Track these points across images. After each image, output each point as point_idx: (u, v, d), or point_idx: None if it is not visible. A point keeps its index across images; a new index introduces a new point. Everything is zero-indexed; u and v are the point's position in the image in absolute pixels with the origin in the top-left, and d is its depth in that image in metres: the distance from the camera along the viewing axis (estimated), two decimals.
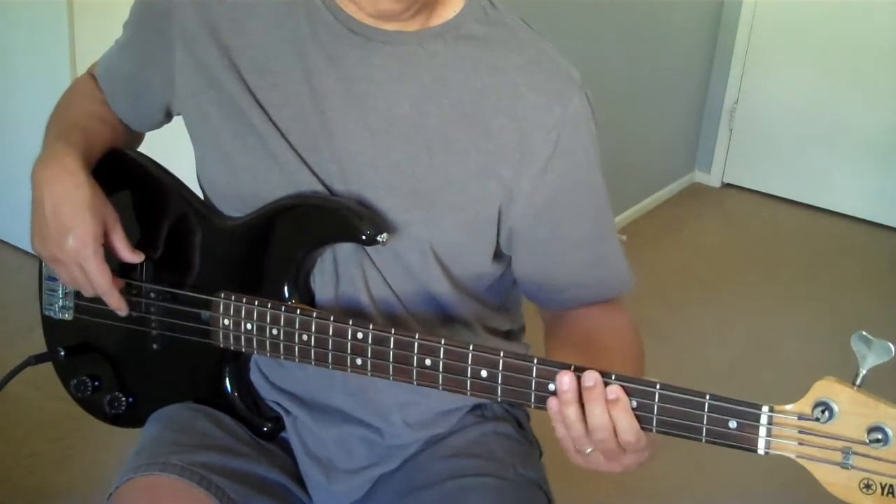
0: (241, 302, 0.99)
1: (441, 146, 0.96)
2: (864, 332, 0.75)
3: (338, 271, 1.00)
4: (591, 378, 0.81)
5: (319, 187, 0.97)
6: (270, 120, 0.97)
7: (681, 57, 3.81)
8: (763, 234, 3.80)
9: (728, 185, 4.18)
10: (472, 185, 0.96)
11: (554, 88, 0.96)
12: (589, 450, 0.83)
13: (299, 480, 1.08)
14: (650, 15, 3.39)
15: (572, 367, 0.82)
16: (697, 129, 4.14)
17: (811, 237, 3.77)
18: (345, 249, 0.99)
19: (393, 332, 0.90)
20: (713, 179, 4.18)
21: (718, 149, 4.13)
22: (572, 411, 0.82)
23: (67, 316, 1.13)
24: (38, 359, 1.15)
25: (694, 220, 3.86)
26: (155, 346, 1.09)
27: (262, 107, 0.97)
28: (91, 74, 1.17)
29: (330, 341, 0.94)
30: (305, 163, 0.97)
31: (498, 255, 1.03)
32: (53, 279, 1.12)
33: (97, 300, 1.06)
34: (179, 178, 1.10)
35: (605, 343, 1.00)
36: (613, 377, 0.81)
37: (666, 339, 2.75)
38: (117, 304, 1.03)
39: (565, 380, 0.81)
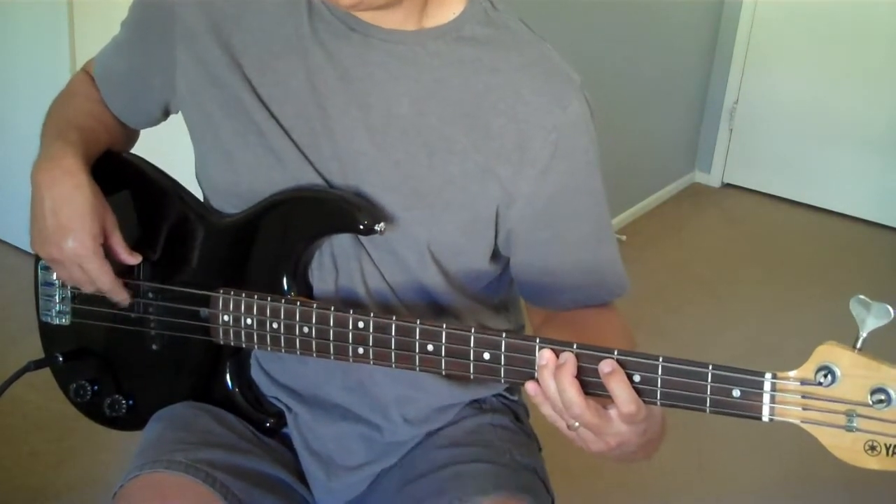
0: (241, 297, 0.99)
1: (441, 146, 0.96)
2: (862, 296, 0.75)
3: (336, 265, 1.00)
4: (544, 357, 0.83)
5: (321, 183, 0.98)
6: (273, 117, 0.97)
7: (681, 57, 3.81)
8: (763, 234, 3.79)
9: (728, 185, 4.18)
10: (472, 185, 0.96)
11: (554, 90, 0.96)
12: (576, 424, 0.84)
13: (301, 477, 1.08)
14: (650, 15, 3.38)
15: (575, 346, 0.84)
16: (697, 129, 4.13)
17: (811, 237, 3.76)
18: (343, 243, 0.99)
19: (394, 318, 0.91)
20: (713, 179, 4.18)
21: (718, 149, 4.13)
22: (551, 386, 0.84)
23: (65, 321, 1.13)
24: (37, 364, 1.15)
25: (694, 220, 3.85)
26: (154, 347, 1.09)
27: (264, 104, 0.98)
28: (86, 72, 1.17)
29: (331, 332, 0.94)
30: (308, 159, 0.97)
31: (496, 255, 1.03)
32: (50, 284, 1.12)
33: (95, 301, 1.07)
34: (175, 177, 1.10)
35: (600, 337, 1.00)
36: (616, 352, 0.83)
37: (665, 338, 2.75)
38: (122, 298, 1.04)
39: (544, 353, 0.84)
